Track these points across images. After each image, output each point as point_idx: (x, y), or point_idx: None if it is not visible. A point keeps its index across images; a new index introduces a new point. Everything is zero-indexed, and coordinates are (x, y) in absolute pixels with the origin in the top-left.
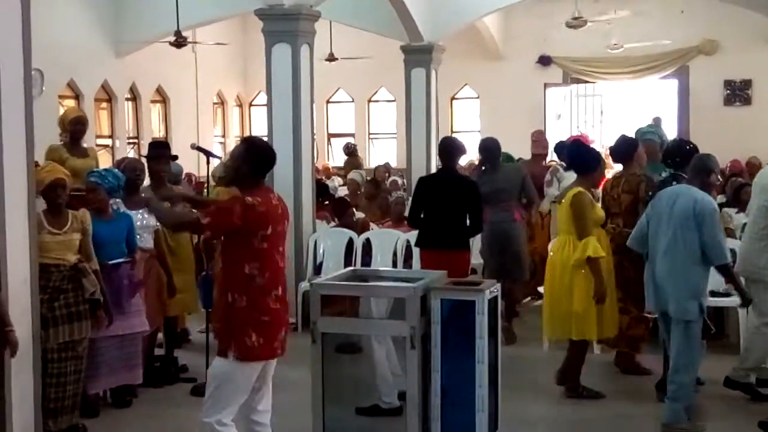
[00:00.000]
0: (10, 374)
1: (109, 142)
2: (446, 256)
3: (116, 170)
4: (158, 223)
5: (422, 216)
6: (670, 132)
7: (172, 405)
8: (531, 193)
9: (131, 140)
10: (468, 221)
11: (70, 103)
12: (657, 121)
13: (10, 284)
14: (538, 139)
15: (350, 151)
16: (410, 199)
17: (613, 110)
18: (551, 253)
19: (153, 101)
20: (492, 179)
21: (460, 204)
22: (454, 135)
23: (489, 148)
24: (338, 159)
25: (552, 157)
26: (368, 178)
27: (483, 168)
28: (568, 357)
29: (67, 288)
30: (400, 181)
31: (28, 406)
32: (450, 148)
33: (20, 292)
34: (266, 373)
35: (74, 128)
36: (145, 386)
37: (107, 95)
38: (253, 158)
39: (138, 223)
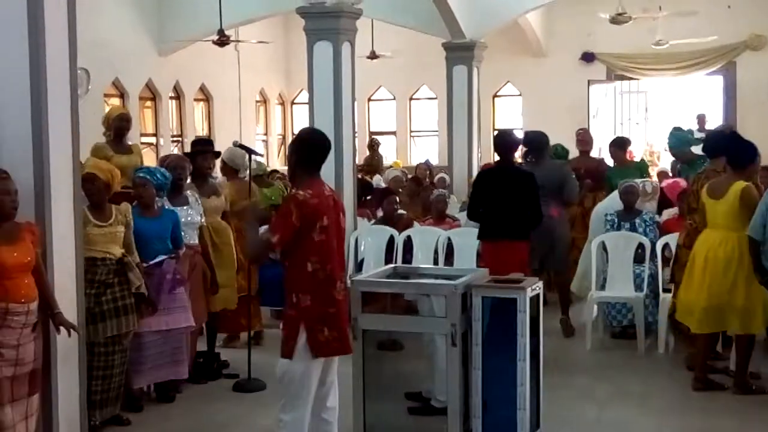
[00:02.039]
0: (56, 366)
1: (153, 140)
2: (507, 247)
3: (163, 169)
4: (202, 219)
5: (483, 209)
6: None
7: (214, 400)
8: (571, 195)
9: (175, 138)
10: (529, 212)
11: (116, 101)
12: (701, 118)
13: (57, 277)
14: (584, 138)
15: (371, 144)
16: (468, 193)
17: (658, 107)
18: (704, 249)
19: (196, 99)
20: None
21: (519, 196)
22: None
23: (533, 141)
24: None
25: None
26: (410, 175)
27: (527, 161)
28: (702, 351)
29: (113, 282)
30: (448, 179)
31: (74, 398)
32: (506, 142)
33: (66, 285)
34: (331, 367)
35: (119, 125)
36: (188, 382)
37: (151, 94)
38: (303, 149)
39: (183, 220)
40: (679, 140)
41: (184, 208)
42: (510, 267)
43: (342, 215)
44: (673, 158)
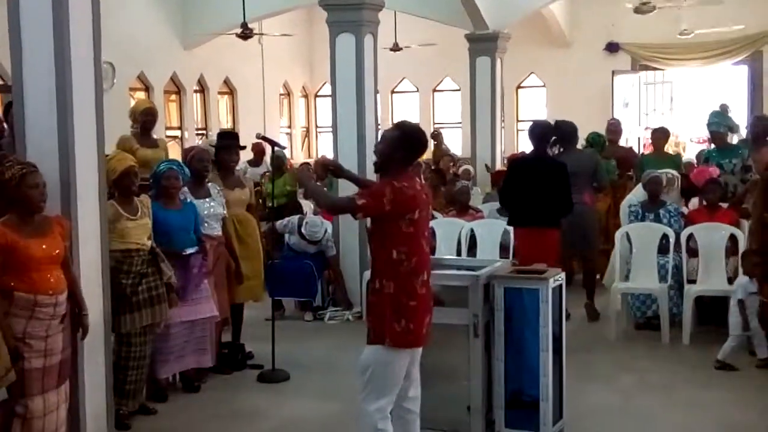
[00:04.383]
0: (83, 359)
1: (178, 133)
2: (537, 234)
3: (181, 163)
4: (224, 211)
5: (515, 196)
6: (741, 120)
7: (239, 390)
8: (602, 180)
9: (199, 131)
10: (559, 201)
11: (141, 95)
12: (723, 108)
13: (83, 271)
14: (615, 128)
15: (434, 136)
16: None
17: (684, 97)
18: None
19: (220, 93)
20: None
21: (551, 185)
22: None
23: (563, 130)
24: None
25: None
26: (432, 166)
27: (558, 150)
28: None
29: (147, 272)
30: (472, 171)
31: (100, 389)
32: (540, 132)
33: (92, 279)
34: (415, 359)
35: (145, 119)
36: (213, 372)
37: (176, 87)
38: (407, 145)
39: (206, 212)
40: (720, 118)
41: (207, 200)
42: (540, 253)
43: (430, 207)
44: (708, 136)
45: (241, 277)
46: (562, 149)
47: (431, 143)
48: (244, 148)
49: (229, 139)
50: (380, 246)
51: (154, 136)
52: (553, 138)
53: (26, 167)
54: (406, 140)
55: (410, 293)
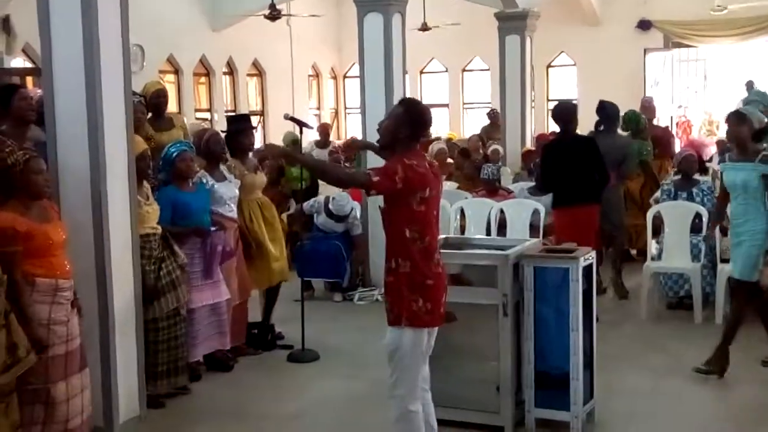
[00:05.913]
0: (114, 340)
1: (207, 115)
2: (581, 211)
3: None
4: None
5: (554, 179)
6: None
7: (270, 370)
8: (628, 170)
9: (229, 114)
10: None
11: (171, 78)
12: (750, 85)
13: (113, 254)
14: (650, 105)
15: (491, 116)
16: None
17: (718, 75)
18: None
19: (249, 75)
20: (600, 143)
21: (585, 161)
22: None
23: (609, 111)
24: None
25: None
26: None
27: (597, 129)
28: None
29: (164, 256)
30: (501, 151)
31: (133, 370)
32: (568, 112)
33: (122, 261)
34: (431, 338)
35: (157, 101)
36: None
37: (205, 69)
38: (413, 121)
39: (229, 195)
40: (760, 96)
41: (226, 182)
42: (584, 230)
43: (441, 186)
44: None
45: (252, 259)
46: (603, 129)
47: (486, 122)
48: (255, 128)
49: (244, 123)
50: (394, 225)
51: (170, 116)
52: (599, 118)
53: (28, 152)
54: (410, 116)
55: (426, 272)
